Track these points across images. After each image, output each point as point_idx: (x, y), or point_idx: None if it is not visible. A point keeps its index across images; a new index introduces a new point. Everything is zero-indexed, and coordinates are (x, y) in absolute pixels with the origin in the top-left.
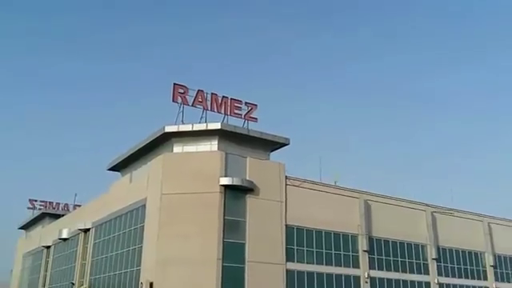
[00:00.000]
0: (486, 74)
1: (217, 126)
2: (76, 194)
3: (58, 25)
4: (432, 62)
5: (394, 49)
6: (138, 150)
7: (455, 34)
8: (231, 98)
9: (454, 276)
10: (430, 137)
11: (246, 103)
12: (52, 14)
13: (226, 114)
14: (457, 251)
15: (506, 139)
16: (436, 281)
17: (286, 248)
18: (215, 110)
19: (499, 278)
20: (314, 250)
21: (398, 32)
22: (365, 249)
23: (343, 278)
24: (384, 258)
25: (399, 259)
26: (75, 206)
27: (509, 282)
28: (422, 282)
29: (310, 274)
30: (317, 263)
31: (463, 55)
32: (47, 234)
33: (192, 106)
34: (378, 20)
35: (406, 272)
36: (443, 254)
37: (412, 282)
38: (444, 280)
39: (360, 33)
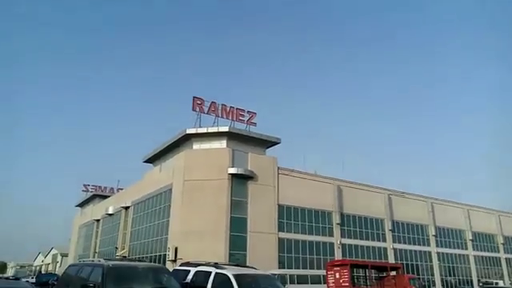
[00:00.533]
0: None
1: (226, 128)
2: (119, 180)
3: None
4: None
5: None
6: (166, 147)
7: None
8: (237, 108)
9: (405, 243)
10: (392, 131)
11: (247, 111)
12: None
13: (232, 119)
14: (407, 224)
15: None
16: (391, 246)
17: (278, 221)
18: (224, 117)
19: (439, 244)
20: (299, 222)
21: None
22: (337, 222)
23: (321, 244)
24: (352, 229)
25: (364, 230)
26: (118, 189)
27: (446, 247)
28: (381, 248)
29: (296, 241)
30: (301, 233)
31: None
32: (97, 210)
33: (207, 113)
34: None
35: (368, 240)
36: (397, 226)
37: (373, 247)
38: (397, 246)
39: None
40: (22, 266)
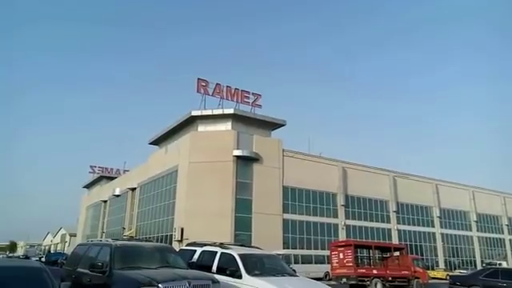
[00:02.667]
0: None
1: (231, 111)
2: (125, 162)
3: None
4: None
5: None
6: (172, 128)
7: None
8: (241, 90)
9: (409, 224)
10: (394, 114)
11: (252, 93)
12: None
13: (237, 101)
14: (411, 205)
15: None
16: (395, 228)
17: (283, 203)
18: (229, 99)
19: (443, 225)
20: (304, 204)
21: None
22: (342, 203)
23: (325, 225)
24: (356, 210)
25: (368, 211)
26: (125, 171)
27: (450, 229)
28: (385, 229)
29: (301, 222)
30: (306, 214)
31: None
32: (104, 191)
33: (212, 95)
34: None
35: (373, 221)
36: (401, 208)
37: (377, 228)
38: (401, 227)
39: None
40: (31, 246)
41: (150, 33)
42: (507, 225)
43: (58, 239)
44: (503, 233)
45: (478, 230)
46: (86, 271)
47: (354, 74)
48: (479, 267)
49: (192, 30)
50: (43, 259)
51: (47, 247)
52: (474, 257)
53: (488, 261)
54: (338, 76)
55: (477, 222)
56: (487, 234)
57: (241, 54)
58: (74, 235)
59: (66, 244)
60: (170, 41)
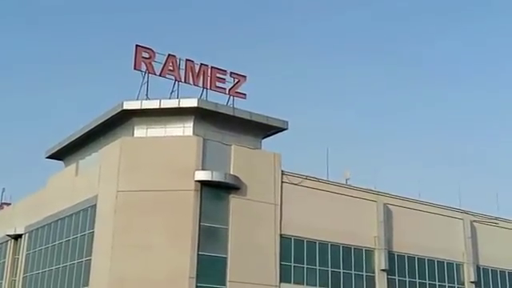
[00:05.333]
0: None
1: (192, 102)
2: (4, 189)
3: None
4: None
5: None
6: (88, 132)
7: None
8: (212, 67)
9: None
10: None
11: (231, 74)
12: None
13: (205, 87)
14: (502, 272)
15: None
16: None
17: (280, 265)
18: (191, 82)
19: None
20: (317, 267)
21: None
22: (383, 268)
23: None
24: (408, 279)
25: (427, 281)
26: (2, 205)
27: None
28: None
29: None
30: (320, 285)
31: None
32: None
33: (160, 75)
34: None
35: None
36: (484, 276)
37: None
38: None
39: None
40: None
41: None
42: None
43: None
44: None
45: None
46: None
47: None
48: None
49: None
50: None
51: None
52: None
53: None
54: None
55: None
56: None
57: (216, 22)
58: None
59: None
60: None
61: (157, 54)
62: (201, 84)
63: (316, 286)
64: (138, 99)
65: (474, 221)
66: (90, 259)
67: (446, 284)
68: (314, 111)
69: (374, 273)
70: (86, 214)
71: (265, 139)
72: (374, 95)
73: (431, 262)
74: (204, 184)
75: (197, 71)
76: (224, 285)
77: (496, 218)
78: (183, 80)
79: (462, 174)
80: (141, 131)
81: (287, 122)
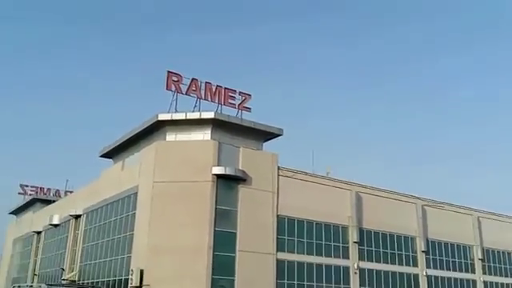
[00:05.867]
0: None
1: (210, 115)
2: (67, 180)
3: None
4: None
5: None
6: (131, 137)
7: None
8: (225, 88)
9: (442, 268)
10: (422, 124)
11: (240, 93)
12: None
13: (219, 103)
14: (445, 244)
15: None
16: (424, 273)
17: (277, 238)
18: (209, 99)
19: (487, 270)
20: (305, 240)
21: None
22: (355, 240)
23: (333, 268)
24: (374, 249)
25: (389, 251)
26: (66, 192)
27: (496, 275)
28: (410, 274)
29: (300, 264)
30: (307, 253)
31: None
32: (38, 219)
33: (186, 94)
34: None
35: (394, 264)
36: (432, 247)
37: (401, 273)
38: (432, 272)
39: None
40: None
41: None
42: None
43: None
44: None
45: None
46: None
47: (370, 75)
48: None
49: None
50: None
51: None
52: None
53: None
54: (349, 78)
55: None
56: None
57: (229, 52)
58: None
59: None
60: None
61: (183, 78)
62: (216, 100)
63: (304, 254)
64: (169, 112)
65: (425, 205)
66: (133, 233)
67: (403, 253)
68: (303, 121)
69: (348, 244)
70: (129, 199)
71: (265, 143)
72: (349, 110)
73: (392, 236)
74: (219, 177)
75: (213, 91)
76: (234, 253)
77: (442, 203)
78: (203, 97)
79: (416, 168)
80: (171, 136)
81: (282, 130)
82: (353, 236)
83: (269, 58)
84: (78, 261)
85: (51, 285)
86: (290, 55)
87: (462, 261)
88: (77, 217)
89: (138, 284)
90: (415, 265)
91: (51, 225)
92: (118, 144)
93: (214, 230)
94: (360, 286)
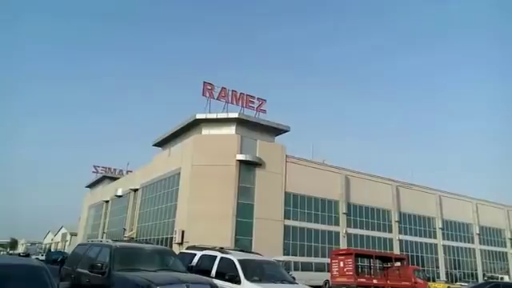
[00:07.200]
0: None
1: (235, 115)
2: (128, 163)
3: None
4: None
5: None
6: (176, 131)
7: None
8: (247, 94)
9: (411, 234)
10: (400, 121)
11: (257, 98)
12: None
13: (242, 106)
14: (414, 216)
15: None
16: (397, 238)
17: (284, 209)
18: (234, 103)
19: (445, 237)
20: (306, 211)
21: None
22: (344, 211)
23: (326, 232)
24: (358, 219)
25: (370, 220)
26: (128, 172)
27: (452, 240)
28: (386, 238)
29: (302, 229)
30: (307, 221)
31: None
32: (106, 191)
33: (217, 99)
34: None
35: (374, 230)
36: (403, 218)
37: (379, 238)
38: (403, 237)
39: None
40: (32, 244)
41: (152, 32)
42: (510, 238)
43: (58, 238)
44: (506, 246)
45: (480, 243)
46: (86, 271)
47: (360, 78)
48: (481, 280)
49: (193, 31)
50: (43, 258)
51: (48, 246)
52: (476, 270)
53: (490, 274)
54: (343, 80)
55: (479, 234)
56: (490, 248)
57: (245, 56)
58: (75, 234)
59: (67, 243)
60: (173, 41)
61: (215, 87)
62: (240, 104)
63: (305, 221)
64: (204, 112)
65: (398, 185)
66: (176, 203)
67: (381, 222)
68: (305, 119)
69: (338, 214)
70: (174, 178)
71: (276, 136)
72: (339, 108)
73: (372, 209)
74: (241, 162)
75: (238, 97)
76: (252, 219)
77: (412, 184)
78: (230, 102)
79: (395, 156)
80: (206, 131)
81: (289, 127)
82: (342, 208)
83: (277, 63)
84: (136, 223)
85: (116, 240)
86: (293, 58)
87: (427, 229)
88: (135, 190)
89: (180, 241)
90: (390, 231)
91: (116, 196)
92: (165, 136)
93: (237, 202)
94: (347, 246)
